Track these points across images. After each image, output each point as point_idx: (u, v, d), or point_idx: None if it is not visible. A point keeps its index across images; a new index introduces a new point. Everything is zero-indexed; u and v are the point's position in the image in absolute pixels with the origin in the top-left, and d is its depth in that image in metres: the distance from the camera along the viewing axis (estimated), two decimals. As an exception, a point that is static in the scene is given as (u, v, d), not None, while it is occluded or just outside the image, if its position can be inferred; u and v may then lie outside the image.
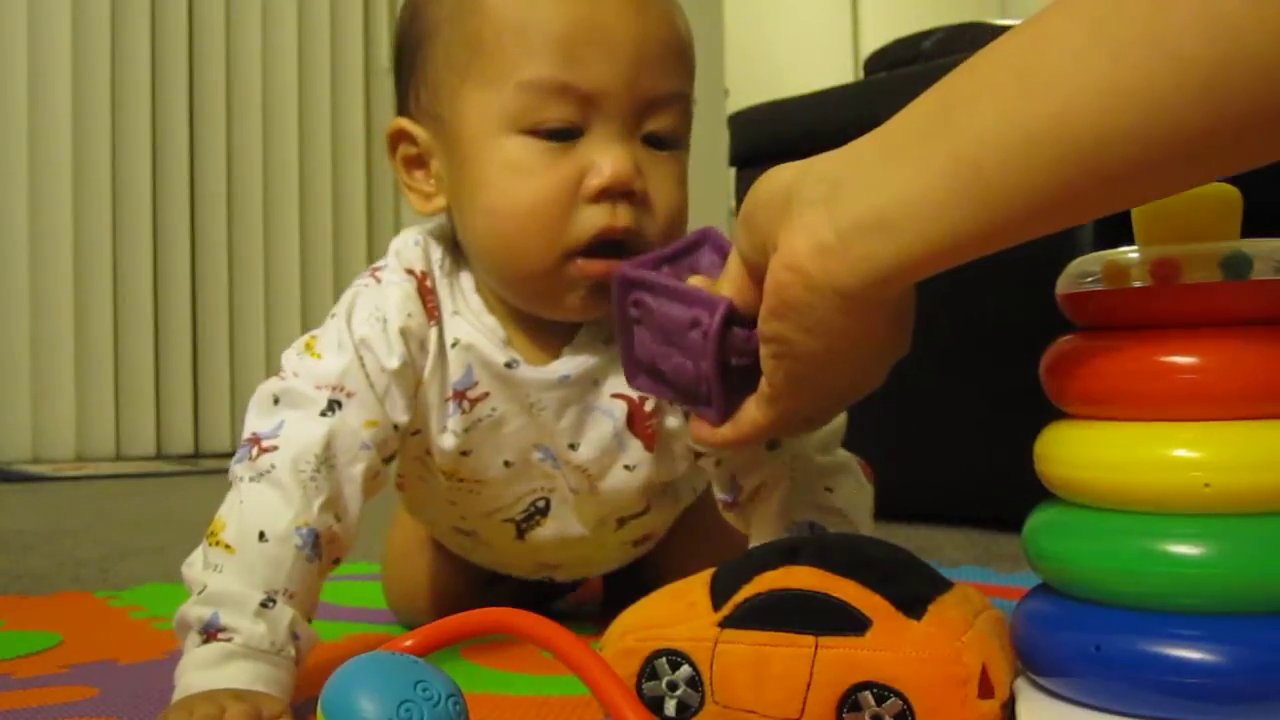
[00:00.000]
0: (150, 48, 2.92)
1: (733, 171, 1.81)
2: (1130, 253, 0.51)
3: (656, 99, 0.69)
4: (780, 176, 0.53)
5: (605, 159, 0.67)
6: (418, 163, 0.74)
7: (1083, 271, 0.52)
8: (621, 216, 0.68)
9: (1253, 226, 0.51)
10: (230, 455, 0.69)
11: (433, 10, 0.72)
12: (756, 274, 0.55)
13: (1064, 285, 0.53)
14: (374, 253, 3.17)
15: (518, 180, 0.68)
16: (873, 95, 1.61)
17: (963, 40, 1.62)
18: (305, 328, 3.04)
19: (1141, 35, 0.40)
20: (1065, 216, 0.45)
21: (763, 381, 0.57)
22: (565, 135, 0.68)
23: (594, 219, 0.67)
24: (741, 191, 1.79)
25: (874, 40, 2.63)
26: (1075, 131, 0.42)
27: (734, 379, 0.59)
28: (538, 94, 0.67)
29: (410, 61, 0.74)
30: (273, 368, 0.72)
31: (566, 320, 0.73)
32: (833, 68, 4.10)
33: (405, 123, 0.74)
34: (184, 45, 2.96)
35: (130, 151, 2.89)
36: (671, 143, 0.71)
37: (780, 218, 0.52)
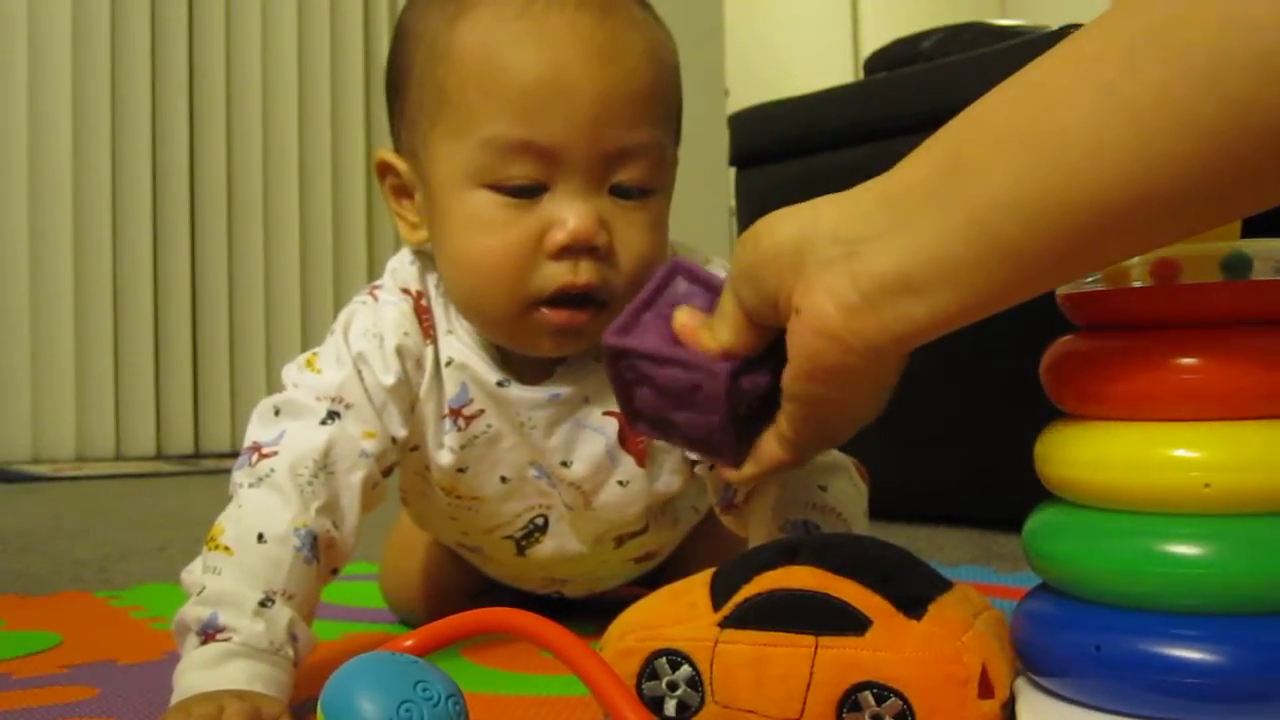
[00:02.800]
0: (150, 48, 2.91)
1: (733, 171, 1.81)
2: (1130, 253, 0.51)
3: (623, 151, 0.69)
4: (782, 230, 0.52)
5: (568, 215, 0.67)
6: (404, 192, 0.75)
7: (1083, 271, 0.52)
8: (583, 273, 0.68)
9: (1253, 226, 0.51)
10: (231, 455, 0.70)
11: (410, 52, 0.72)
12: (757, 320, 0.55)
13: (1064, 285, 0.53)
14: (374, 253, 3.17)
15: (480, 235, 0.69)
16: (873, 95, 1.61)
17: (962, 40, 1.62)
18: (305, 328, 3.06)
19: (1157, 100, 0.40)
20: (1083, 266, 0.47)
21: (782, 424, 0.57)
22: (528, 192, 0.68)
23: (555, 276, 0.68)
24: (742, 191, 1.79)
25: (874, 40, 2.63)
26: (1094, 195, 0.42)
27: (745, 423, 0.59)
28: (499, 151, 0.67)
29: (394, 96, 0.75)
30: (273, 368, 0.73)
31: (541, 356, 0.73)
32: (833, 68, 4.10)
33: (389, 155, 0.75)
34: (184, 45, 2.96)
35: (130, 151, 2.89)
36: (640, 193, 0.70)
37: (793, 277, 0.51)
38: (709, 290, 0.60)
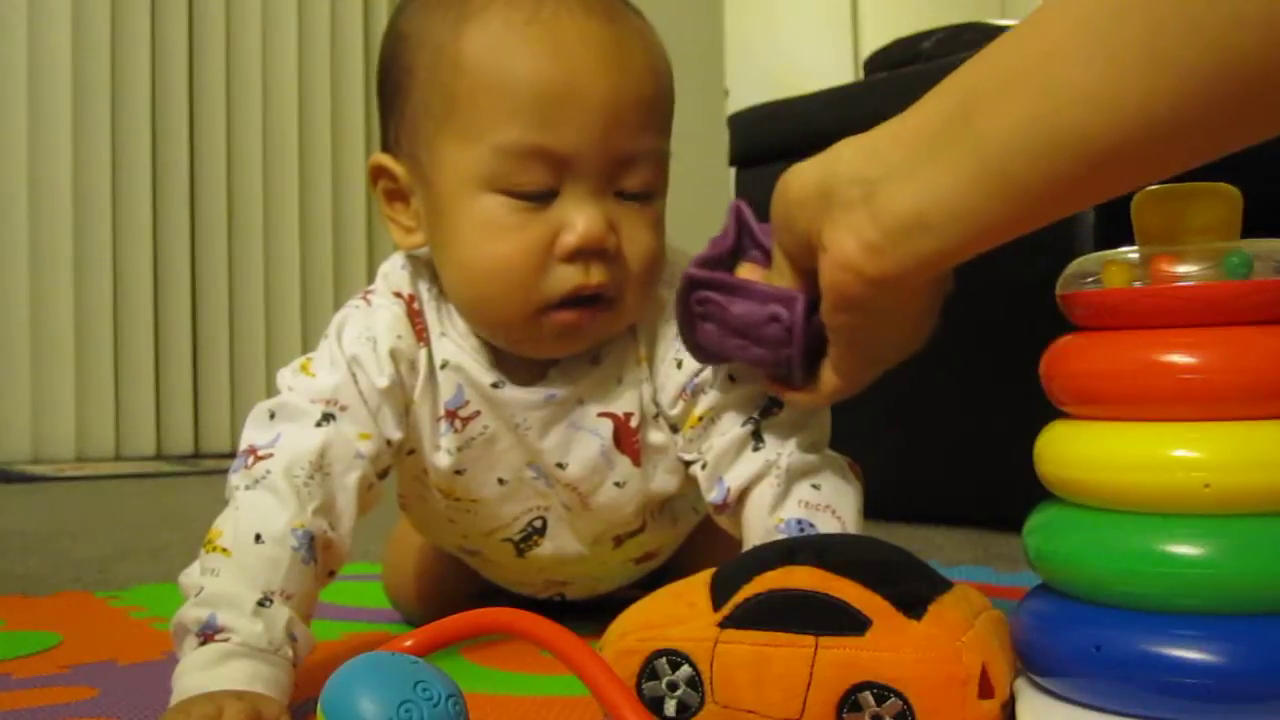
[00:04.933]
0: (150, 48, 2.91)
1: (733, 171, 1.81)
2: (1130, 253, 0.51)
3: (630, 156, 0.70)
4: (806, 176, 0.58)
5: (579, 219, 0.68)
6: (399, 196, 0.75)
7: (1083, 271, 0.52)
8: (595, 275, 0.69)
9: (1253, 226, 0.51)
10: (230, 456, 0.70)
11: (412, 55, 0.72)
12: (800, 265, 0.62)
13: (1064, 285, 0.53)
14: (374, 254, 3.17)
15: (491, 239, 0.69)
16: (873, 95, 1.60)
17: (962, 40, 1.62)
18: (305, 328, 3.06)
19: (1145, 50, 0.44)
20: (1081, 202, 0.51)
21: (832, 354, 0.63)
22: (540, 198, 0.68)
23: (568, 278, 0.69)
24: (742, 191, 1.79)
25: (874, 40, 2.63)
26: (1090, 134, 0.46)
27: (809, 356, 0.65)
28: (512, 157, 0.68)
29: (391, 99, 0.75)
30: (273, 368, 0.73)
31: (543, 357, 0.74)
32: (833, 68, 4.10)
33: (385, 159, 0.75)
34: (184, 45, 2.96)
35: (130, 152, 2.89)
36: (645, 196, 0.71)
37: (821, 218, 0.57)
38: (764, 243, 0.67)
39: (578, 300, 0.69)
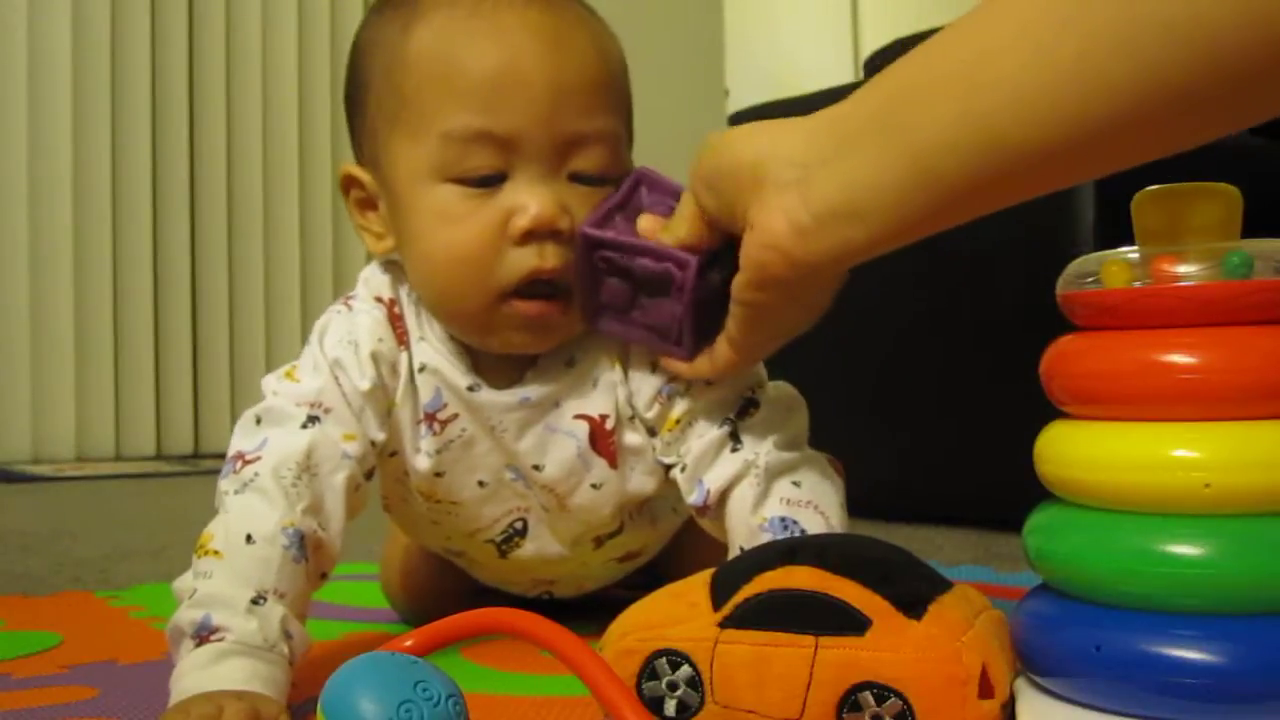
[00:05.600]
0: (150, 48, 2.91)
1: (733, 171, 1.80)
2: (1130, 253, 0.51)
3: (578, 137, 0.70)
4: (743, 148, 0.59)
5: (530, 200, 0.69)
6: (369, 204, 0.77)
7: (1083, 271, 0.52)
8: (550, 257, 0.69)
9: (1253, 226, 0.51)
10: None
11: (368, 61, 0.75)
12: (712, 222, 0.63)
13: (1064, 285, 0.53)
14: (373, 254, 3.16)
15: (445, 228, 0.70)
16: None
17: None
18: (305, 328, 3.04)
19: (1078, 63, 0.45)
20: (1004, 200, 0.52)
21: (730, 327, 0.65)
22: (488, 181, 0.69)
23: (523, 261, 0.69)
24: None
25: (874, 40, 2.63)
26: (1020, 137, 0.48)
27: (702, 318, 0.67)
28: (459, 143, 0.69)
29: (354, 110, 0.77)
30: (273, 369, 0.74)
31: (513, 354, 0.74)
32: (833, 68, 4.10)
33: (353, 168, 0.77)
34: (184, 45, 2.96)
35: (130, 152, 2.89)
36: (599, 180, 0.72)
37: (750, 194, 0.58)
38: (671, 197, 0.69)
39: (536, 290, 0.70)
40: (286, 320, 3.05)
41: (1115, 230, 0.54)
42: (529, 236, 0.69)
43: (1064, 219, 1.28)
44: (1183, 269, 0.49)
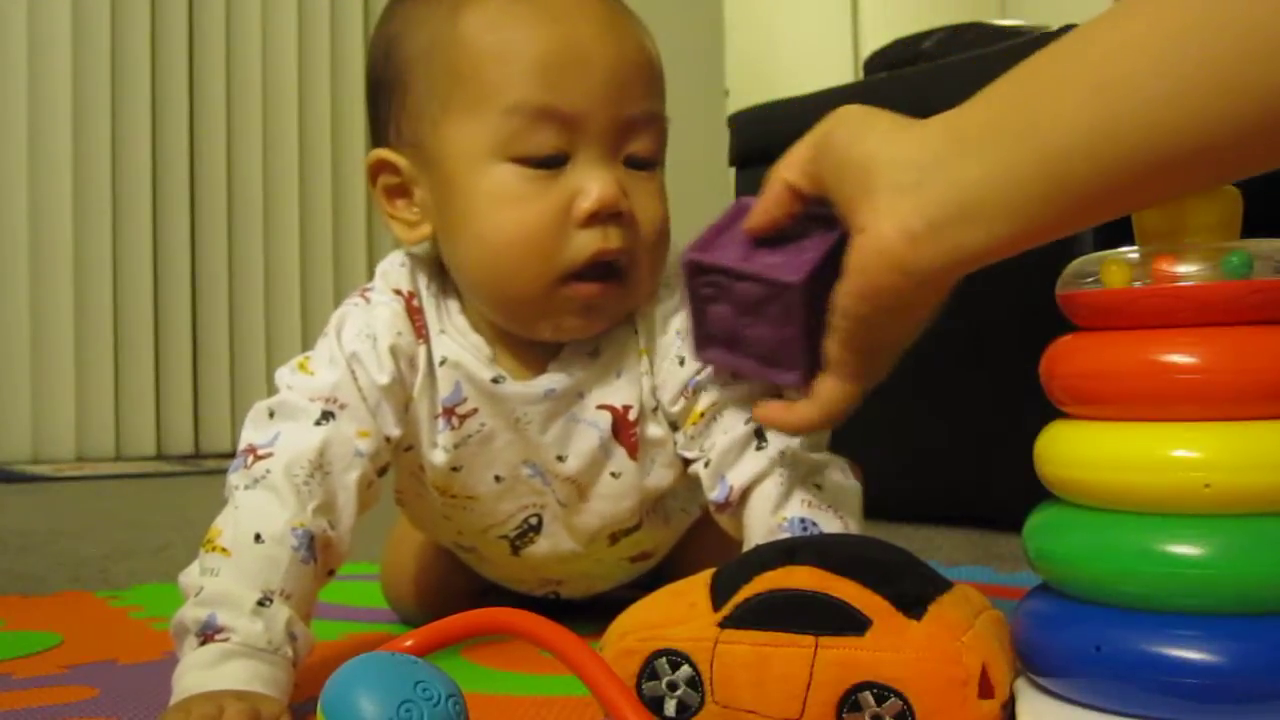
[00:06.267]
0: (150, 47, 2.91)
1: (733, 171, 1.81)
2: (1130, 253, 0.51)
3: (635, 120, 0.71)
4: (854, 146, 0.56)
5: (593, 183, 0.69)
6: (400, 192, 0.75)
7: (1083, 271, 0.52)
8: (613, 239, 0.70)
9: (1253, 226, 0.51)
10: (231, 456, 0.70)
11: (410, 44, 0.73)
12: (805, 198, 0.60)
13: (1064, 285, 0.53)
14: (374, 253, 3.16)
15: (507, 209, 0.69)
16: (873, 95, 1.59)
17: (963, 40, 1.62)
18: (305, 328, 3.06)
19: (1202, 70, 0.45)
20: (1147, 202, 0.51)
21: (831, 348, 0.60)
22: (551, 162, 0.69)
23: (588, 243, 0.69)
24: (742, 191, 1.79)
25: (874, 40, 2.62)
26: (1161, 142, 0.46)
27: (813, 341, 0.62)
28: (522, 118, 0.69)
29: (389, 94, 0.75)
30: (273, 368, 0.74)
31: (557, 340, 0.74)
32: (833, 68, 4.10)
33: (386, 153, 0.75)
34: (184, 45, 2.96)
35: (130, 152, 2.89)
36: (650, 163, 0.72)
37: (860, 194, 0.55)
38: None
39: (596, 272, 0.70)
40: (286, 320, 3.05)
41: (1115, 230, 0.54)
42: (593, 219, 0.69)
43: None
44: (1182, 269, 0.49)
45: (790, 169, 0.60)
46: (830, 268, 0.59)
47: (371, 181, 0.76)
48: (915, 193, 0.52)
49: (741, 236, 0.64)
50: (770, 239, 0.63)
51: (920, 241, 0.52)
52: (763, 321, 0.63)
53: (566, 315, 0.71)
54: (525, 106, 0.68)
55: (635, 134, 0.71)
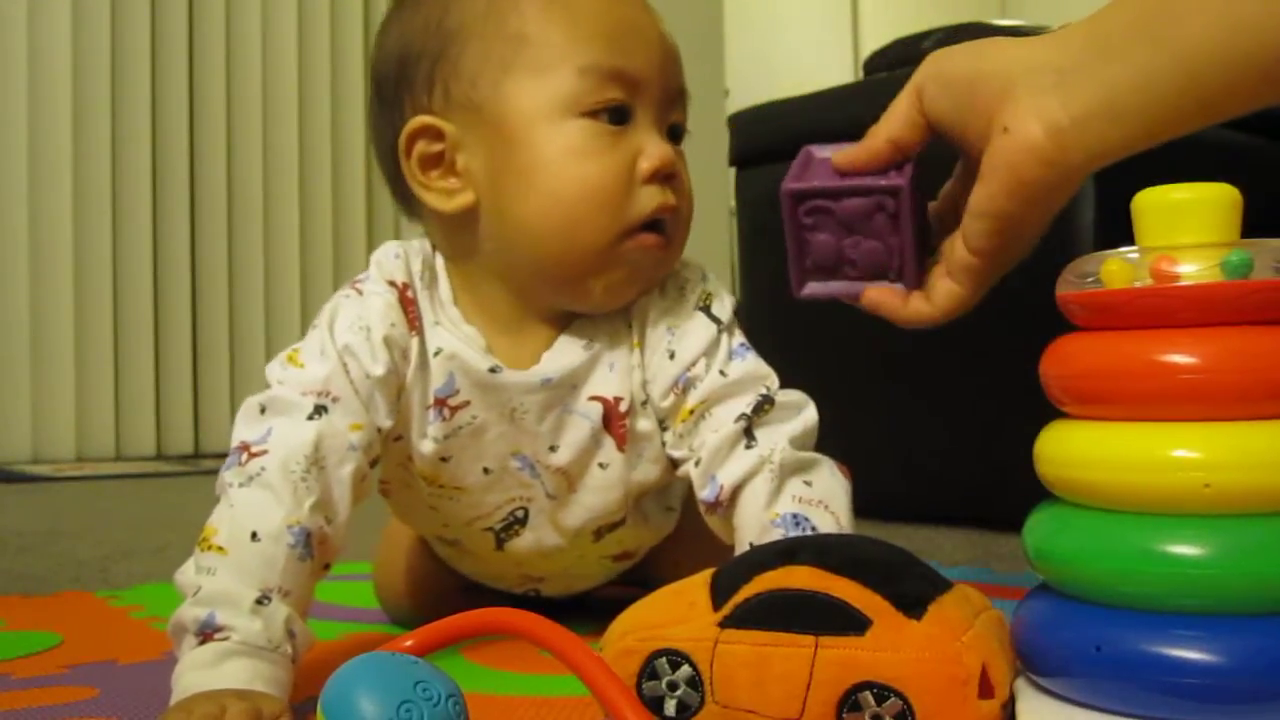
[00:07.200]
0: (150, 47, 2.91)
1: (733, 171, 1.81)
2: (1130, 253, 0.51)
3: (679, 93, 0.77)
4: (991, 57, 0.60)
5: (652, 145, 0.73)
6: (435, 162, 0.74)
7: (1083, 271, 0.52)
8: (670, 196, 0.74)
9: (1253, 226, 0.51)
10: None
11: (459, 16, 0.74)
12: (931, 126, 0.62)
13: (1064, 285, 0.53)
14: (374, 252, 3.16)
15: (581, 162, 0.72)
16: (873, 95, 1.59)
17: (963, 40, 1.62)
18: (305, 328, 3.04)
19: None
20: (1251, 106, 0.55)
21: (960, 252, 0.62)
22: (621, 117, 0.73)
23: (652, 198, 0.73)
24: (742, 191, 1.79)
25: (874, 40, 2.62)
26: (1272, 49, 0.51)
27: (919, 246, 0.65)
28: (596, 77, 0.72)
29: (431, 62, 0.74)
30: (273, 368, 0.73)
31: (576, 309, 0.76)
32: (833, 68, 4.10)
33: (429, 118, 0.74)
34: (184, 45, 2.96)
35: (130, 152, 2.89)
36: (681, 136, 0.77)
37: (998, 100, 0.58)
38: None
39: (656, 226, 0.73)
40: (286, 320, 3.06)
41: (1115, 230, 0.54)
42: (654, 176, 0.73)
43: (1063, 219, 1.27)
44: (1182, 269, 0.49)
45: (895, 118, 0.63)
46: (915, 189, 0.63)
47: (406, 151, 0.74)
48: (1058, 92, 0.56)
49: (827, 170, 0.66)
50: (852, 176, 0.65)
51: (1064, 136, 0.56)
52: (870, 236, 0.65)
53: (620, 269, 0.73)
54: (599, 67, 0.72)
55: (677, 104, 0.76)
